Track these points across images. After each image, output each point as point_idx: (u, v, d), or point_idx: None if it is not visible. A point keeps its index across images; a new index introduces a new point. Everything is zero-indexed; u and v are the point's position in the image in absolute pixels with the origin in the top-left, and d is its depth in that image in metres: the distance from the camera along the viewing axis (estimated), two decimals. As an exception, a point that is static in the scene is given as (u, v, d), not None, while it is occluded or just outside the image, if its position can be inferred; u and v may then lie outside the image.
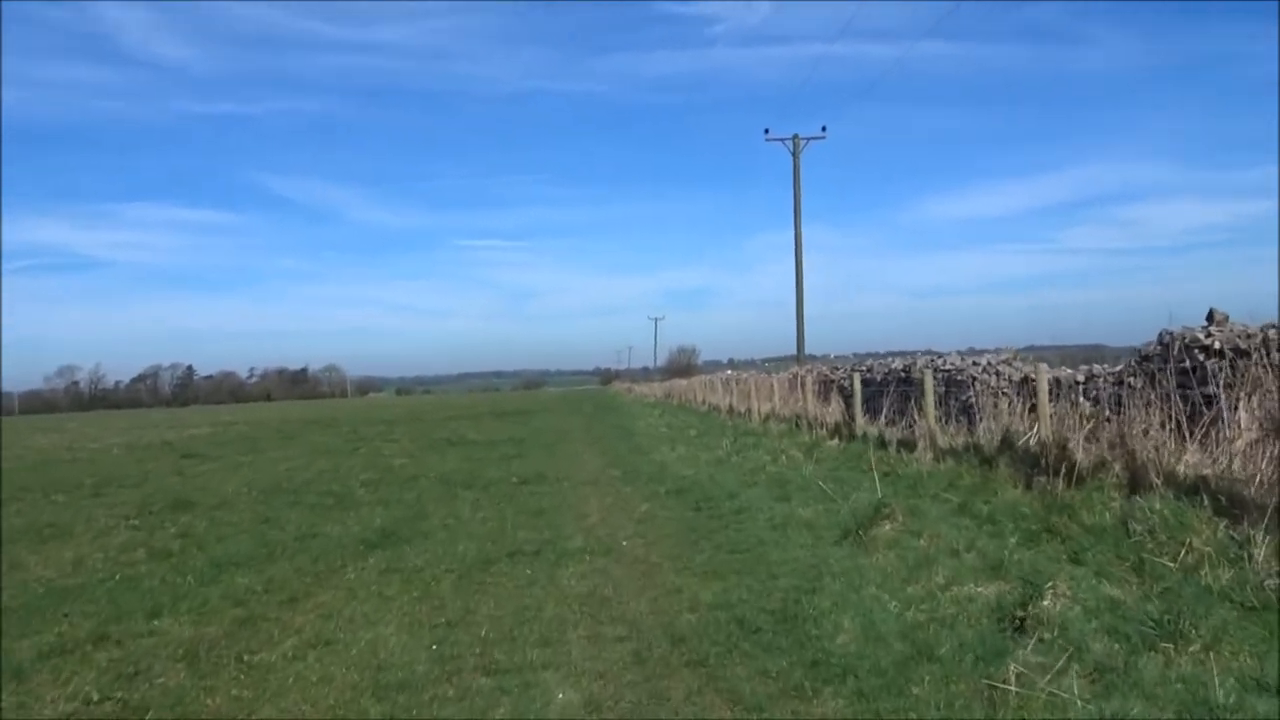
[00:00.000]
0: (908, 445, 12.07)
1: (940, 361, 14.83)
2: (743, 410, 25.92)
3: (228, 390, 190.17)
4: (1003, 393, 12.27)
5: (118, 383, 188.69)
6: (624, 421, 32.14)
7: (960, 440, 11.38)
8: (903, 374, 15.69)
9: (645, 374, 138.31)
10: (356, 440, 27.11)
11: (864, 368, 18.73)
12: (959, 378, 13.75)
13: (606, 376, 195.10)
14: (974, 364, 13.57)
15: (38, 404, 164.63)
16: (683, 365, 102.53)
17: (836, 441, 14.93)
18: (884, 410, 14.71)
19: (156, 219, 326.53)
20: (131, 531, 10.17)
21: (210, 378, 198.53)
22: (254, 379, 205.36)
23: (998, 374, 12.76)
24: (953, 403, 13.64)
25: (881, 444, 13.05)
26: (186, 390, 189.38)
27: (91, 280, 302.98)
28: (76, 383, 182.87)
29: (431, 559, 8.01)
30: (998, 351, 13.38)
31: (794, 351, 32.07)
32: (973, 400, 12.87)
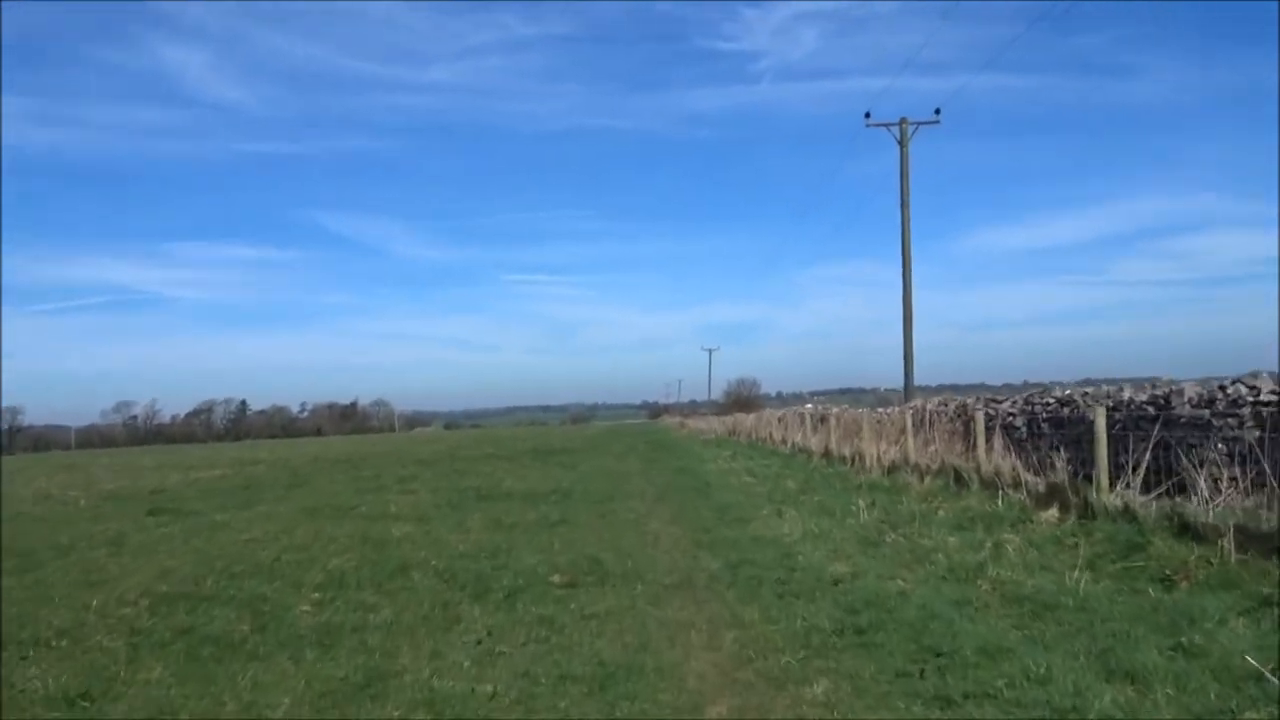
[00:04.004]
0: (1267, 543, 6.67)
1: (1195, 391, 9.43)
2: (847, 454, 20.51)
3: (279, 425, 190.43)
4: None
5: (174, 417, 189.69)
6: (691, 464, 26.85)
7: None
8: (1151, 409, 10.27)
9: (695, 408, 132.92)
10: (370, 489, 22.24)
11: (1062, 398, 13.32)
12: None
13: (655, 410, 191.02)
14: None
15: (95, 439, 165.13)
16: (744, 398, 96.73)
17: (1055, 515, 9.56)
18: (1138, 467, 9.27)
19: (212, 256, 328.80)
20: None
21: (263, 412, 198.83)
22: (305, 413, 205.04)
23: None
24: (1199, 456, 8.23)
25: (1181, 528, 7.67)
26: (239, 425, 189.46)
27: (149, 317, 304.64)
28: (135, 418, 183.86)
29: None
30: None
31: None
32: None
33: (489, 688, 5.38)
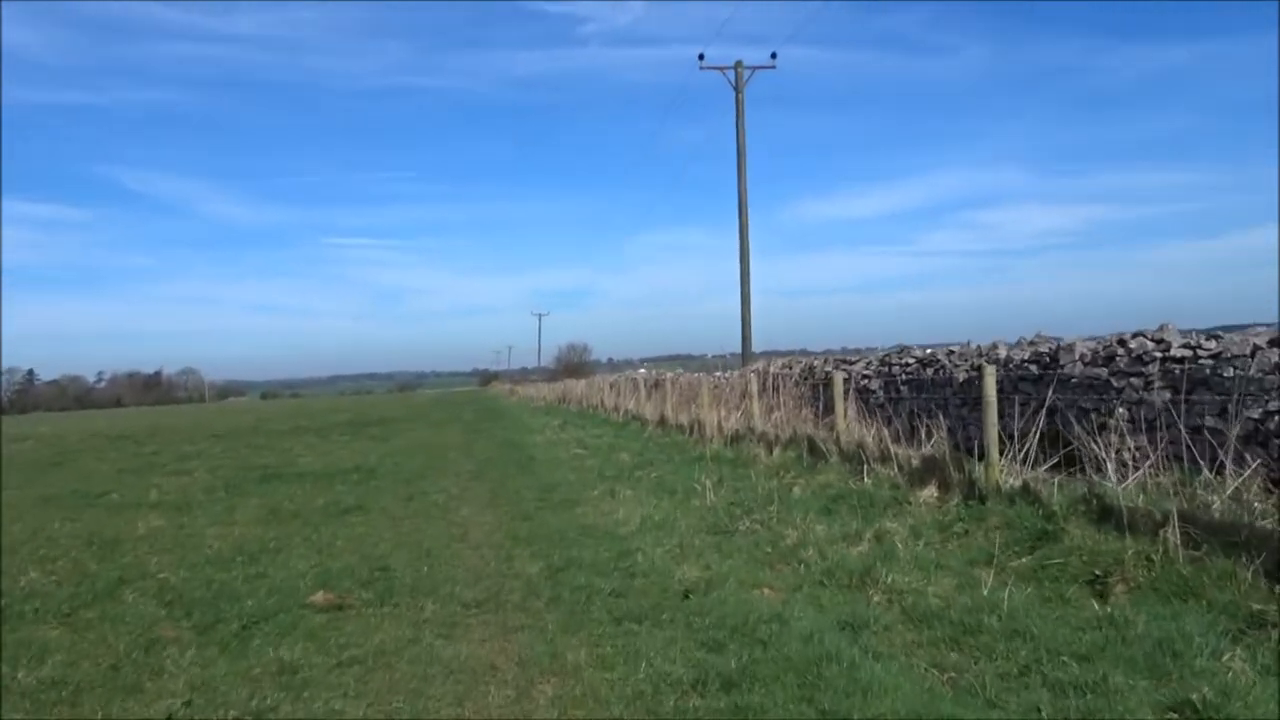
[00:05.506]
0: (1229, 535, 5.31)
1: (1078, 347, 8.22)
2: (685, 423, 19.02)
3: (72, 396, 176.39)
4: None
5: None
6: (517, 435, 24.81)
7: None
8: (1034, 368, 9.02)
9: (525, 374, 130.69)
10: (139, 469, 19.11)
11: (924, 358, 12.06)
12: (1101, 377, 7.14)
13: (485, 377, 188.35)
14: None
15: None
16: (574, 364, 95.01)
17: (934, 494, 8.17)
18: (1026, 435, 7.95)
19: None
20: None
21: (55, 383, 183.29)
22: (101, 384, 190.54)
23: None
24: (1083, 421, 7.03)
25: (1101, 513, 6.31)
26: (26, 396, 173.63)
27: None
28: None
29: None
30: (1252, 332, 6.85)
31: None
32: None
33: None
